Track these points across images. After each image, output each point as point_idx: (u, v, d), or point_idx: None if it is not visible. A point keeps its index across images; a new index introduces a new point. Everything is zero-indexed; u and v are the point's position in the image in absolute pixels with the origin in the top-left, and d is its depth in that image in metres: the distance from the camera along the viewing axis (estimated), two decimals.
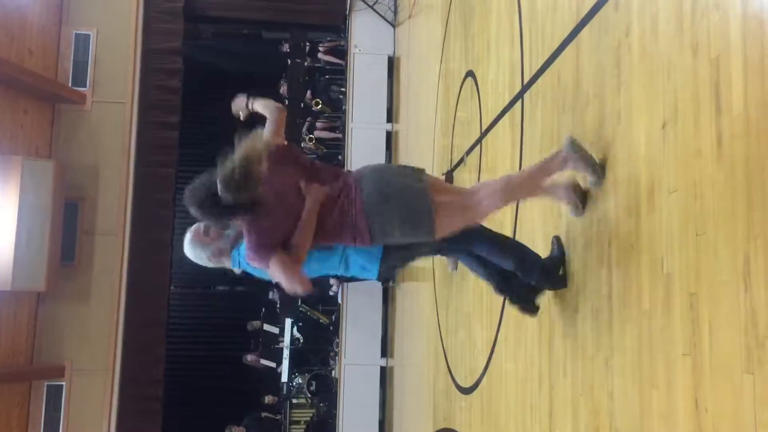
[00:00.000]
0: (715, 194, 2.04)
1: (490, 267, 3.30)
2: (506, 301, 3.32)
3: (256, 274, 3.10)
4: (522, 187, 2.93)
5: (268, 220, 2.73)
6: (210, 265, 3.13)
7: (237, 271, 3.14)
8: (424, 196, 2.81)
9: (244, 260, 2.98)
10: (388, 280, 6.63)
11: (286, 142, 3.01)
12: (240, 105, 3.14)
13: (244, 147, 2.60)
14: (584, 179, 2.96)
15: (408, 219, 2.79)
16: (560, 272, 3.20)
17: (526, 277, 3.19)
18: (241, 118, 3.11)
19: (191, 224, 3.13)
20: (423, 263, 7.60)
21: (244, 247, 2.81)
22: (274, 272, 2.74)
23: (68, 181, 9.65)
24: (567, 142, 2.84)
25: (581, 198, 2.98)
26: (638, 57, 2.60)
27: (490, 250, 3.19)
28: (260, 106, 3.07)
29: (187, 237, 3.09)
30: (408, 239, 2.88)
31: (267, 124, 2.97)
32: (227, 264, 3.13)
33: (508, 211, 4.22)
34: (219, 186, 2.57)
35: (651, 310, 2.39)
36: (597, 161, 2.85)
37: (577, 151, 2.82)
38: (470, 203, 2.92)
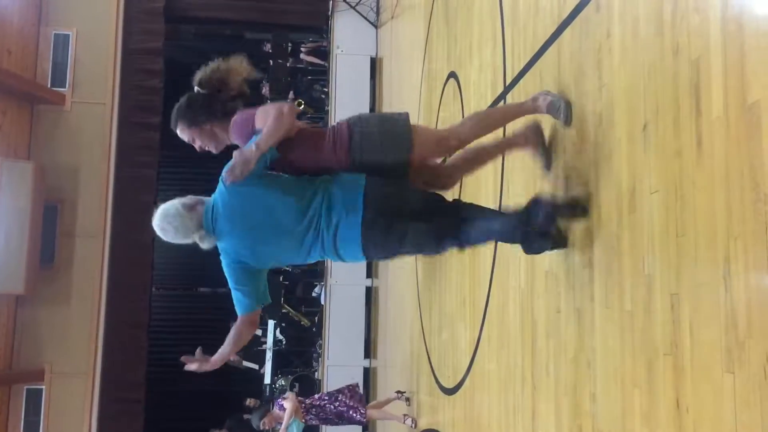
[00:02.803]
0: (696, 195, 2.05)
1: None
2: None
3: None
4: (494, 118, 3.26)
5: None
6: (187, 239, 2.98)
7: (204, 246, 3.00)
8: (403, 121, 3.04)
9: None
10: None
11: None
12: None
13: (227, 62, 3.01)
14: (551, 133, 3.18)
15: (387, 134, 2.97)
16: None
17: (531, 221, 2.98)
18: None
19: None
20: (406, 262, 7.61)
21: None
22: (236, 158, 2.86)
23: (48, 183, 9.56)
24: (541, 92, 3.13)
25: (546, 150, 3.18)
26: (619, 58, 2.61)
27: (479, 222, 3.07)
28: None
29: (169, 210, 2.95)
30: (385, 153, 2.95)
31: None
32: (204, 242, 2.99)
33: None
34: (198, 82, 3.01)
35: (632, 310, 2.41)
36: (568, 104, 3.01)
37: (550, 94, 3.07)
38: (445, 132, 3.26)
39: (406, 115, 3.09)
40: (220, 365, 3.12)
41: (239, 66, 3.12)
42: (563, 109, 2.99)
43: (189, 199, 2.98)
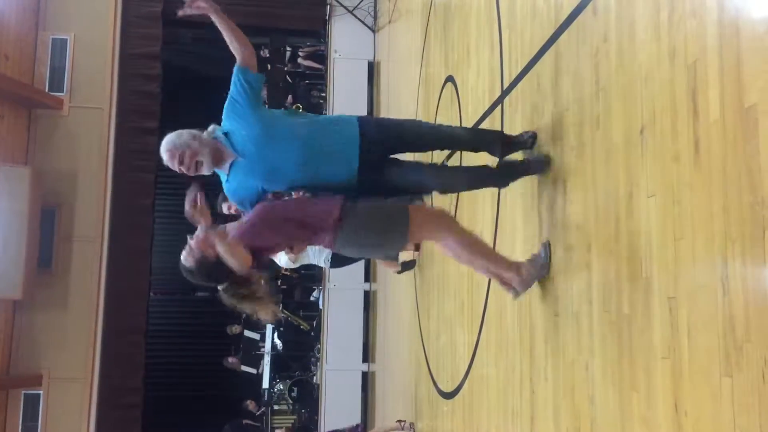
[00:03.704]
0: (693, 199, 2.05)
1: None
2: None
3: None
4: (480, 256, 3.14)
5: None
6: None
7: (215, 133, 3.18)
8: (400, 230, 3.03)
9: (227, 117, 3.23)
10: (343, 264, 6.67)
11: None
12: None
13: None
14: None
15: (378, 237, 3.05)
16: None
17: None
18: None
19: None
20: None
21: None
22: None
23: (45, 188, 9.54)
24: (543, 251, 3.15)
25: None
26: (616, 62, 2.62)
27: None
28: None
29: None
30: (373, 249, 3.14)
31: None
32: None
33: (488, 215, 4.24)
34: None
35: (631, 314, 2.41)
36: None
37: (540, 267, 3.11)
38: (442, 234, 3.13)
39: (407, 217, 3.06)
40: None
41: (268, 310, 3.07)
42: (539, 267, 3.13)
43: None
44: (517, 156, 3.38)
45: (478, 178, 3.47)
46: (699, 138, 2.04)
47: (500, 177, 3.37)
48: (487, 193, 4.30)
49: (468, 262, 3.15)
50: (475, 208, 4.59)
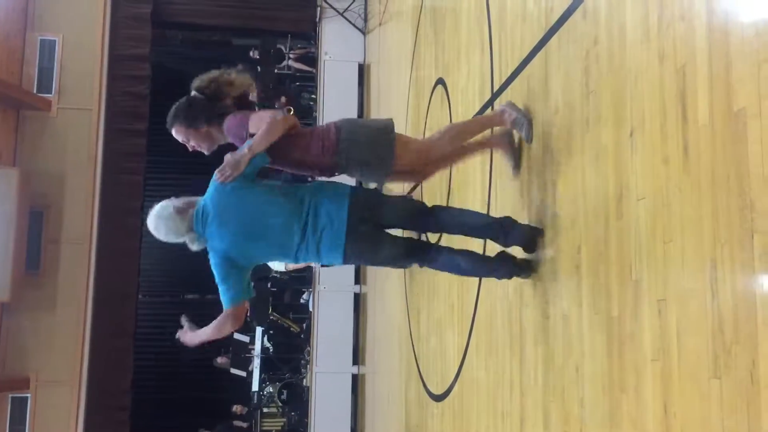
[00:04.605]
0: (683, 202, 2.06)
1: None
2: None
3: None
4: (470, 130, 3.45)
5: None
6: (179, 239, 3.12)
7: (194, 248, 3.17)
8: (389, 133, 3.19)
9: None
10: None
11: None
12: None
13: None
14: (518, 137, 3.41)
15: (373, 144, 3.15)
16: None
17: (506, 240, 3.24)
18: None
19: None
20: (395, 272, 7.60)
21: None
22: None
23: (33, 189, 9.48)
24: (507, 103, 3.36)
25: (516, 154, 3.44)
26: (606, 65, 2.63)
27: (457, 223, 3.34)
28: None
29: (163, 212, 3.08)
30: (369, 161, 3.16)
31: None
32: (194, 244, 3.14)
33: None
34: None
35: (620, 316, 2.41)
36: (530, 123, 3.29)
37: (516, 110, 3.30)
38: (426, 144, 3.46)
39: (392, 125, 3.24)
40: (194, 343, 3.31)
41: (243, 80, 3.31)
42: (526, 127, 3.30)
43: (182, 201, 3.13)
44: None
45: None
46: (688, 141, 2.05)
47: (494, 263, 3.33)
48: (477, 203, 4.31)
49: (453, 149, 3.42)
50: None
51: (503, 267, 3.20)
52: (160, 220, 3.08)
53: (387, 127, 3.21)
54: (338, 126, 3.19)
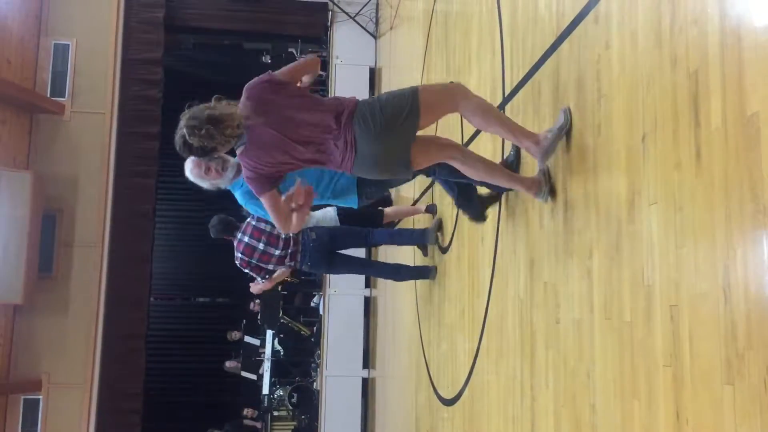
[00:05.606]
0: (695, 206, 2.06)
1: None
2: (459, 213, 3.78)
3: (257, 213, 4.19)
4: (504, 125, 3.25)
5: (260, 155, 3.14)
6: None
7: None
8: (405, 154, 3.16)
9: (243, 198, 4.06)
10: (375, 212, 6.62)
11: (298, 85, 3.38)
12: None
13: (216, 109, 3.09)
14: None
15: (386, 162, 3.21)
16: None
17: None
18: None
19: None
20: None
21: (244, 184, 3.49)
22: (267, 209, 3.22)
23: (46, 192, 9.55)
24: (563, 115, 3.05)
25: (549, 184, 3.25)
26: (618, 70, 2.62)
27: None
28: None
29: (189, 166, 3.91)
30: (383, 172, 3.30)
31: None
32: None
33: (489, 225, 4.23)
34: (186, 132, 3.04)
35: (632, 321, 2.40)
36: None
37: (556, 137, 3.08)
38: (445, 145, 3.37)
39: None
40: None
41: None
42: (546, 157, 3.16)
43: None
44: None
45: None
46: (701, 146, 2.04)
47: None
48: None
49: (485, 126, 3.30)
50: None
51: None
52: (190, 174, 3.99)
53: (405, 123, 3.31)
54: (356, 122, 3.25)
